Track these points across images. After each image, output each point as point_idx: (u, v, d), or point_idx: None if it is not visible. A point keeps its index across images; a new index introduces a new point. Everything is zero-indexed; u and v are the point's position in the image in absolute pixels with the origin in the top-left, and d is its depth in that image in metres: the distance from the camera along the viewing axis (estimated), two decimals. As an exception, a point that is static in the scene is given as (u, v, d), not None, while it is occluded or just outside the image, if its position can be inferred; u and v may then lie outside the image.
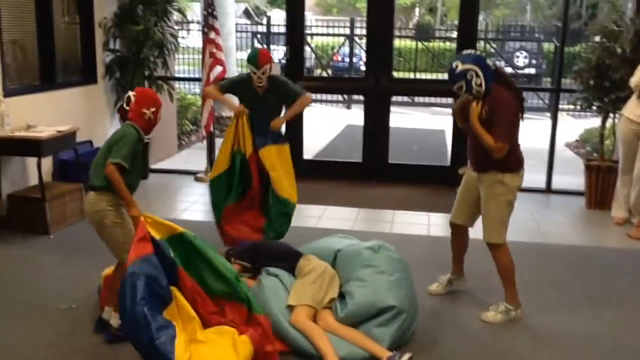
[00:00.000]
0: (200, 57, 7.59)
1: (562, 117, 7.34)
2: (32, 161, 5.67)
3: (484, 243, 4.09)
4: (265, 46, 16.43)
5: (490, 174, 3.96)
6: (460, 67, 3.82)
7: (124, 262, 3.56)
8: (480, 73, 3.80)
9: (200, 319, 3.42)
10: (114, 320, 3.72)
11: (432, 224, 6.07)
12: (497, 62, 3.99)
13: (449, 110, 11.99)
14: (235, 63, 12.32)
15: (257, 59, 4.79)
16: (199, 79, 7.79)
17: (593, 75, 6.42)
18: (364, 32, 17.16)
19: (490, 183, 3.96)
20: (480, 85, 3.80)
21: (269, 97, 4.97)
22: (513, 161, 3.96)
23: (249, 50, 15.95)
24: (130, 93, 3.85)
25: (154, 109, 3.82)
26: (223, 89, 5.13)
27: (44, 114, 5.96)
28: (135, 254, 3.27)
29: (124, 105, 3.83)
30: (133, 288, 3.14)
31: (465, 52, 3.96)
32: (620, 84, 6.15)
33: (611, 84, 6.28)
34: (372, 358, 3.44)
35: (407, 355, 3.35)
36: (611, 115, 6.66)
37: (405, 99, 14.51)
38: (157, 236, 3.41)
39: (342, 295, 3.79)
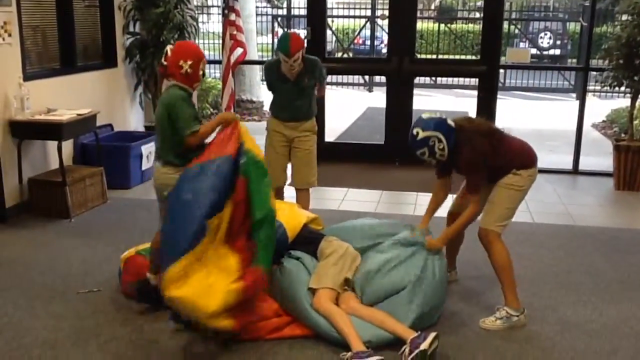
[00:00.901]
0: (219, 41, 7.50)
1: (587, 97, 7.18)
2: (52, 145, 5.64)
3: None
4: (287, 29, 16.30)
5: (507, 176, 3.75)
6: (421, 134, 3.62)
7: None
8: (442, 138, 3.61)
9: (228, 232, 3.37)
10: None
11: (457, 207, 5.96)
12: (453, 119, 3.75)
13: (473, 93, 11.87)
14: (255, 47, 12.23)
15: (289, 46, 4.39)
16: (219, 62, 7.72)
17: (623, 53, 6.24)
18: (385, 13, 16.99)
19: (507, 178, 3.73)
20: (443, 149, 3.62)
21: (304, 78, 4.65)
22: (526, 159, 3.76)
23: (269, 35, 15.99)
24: (169, 47, 3.68)
25: (191, 62, 3.56)
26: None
27: (64, 97, 5.92)
28: (222, 149, 3.41)
29: (162, 61, 3.64)
30: (206, 178, 3.33)
31: (424, 116, 3.71)
32: (652, 61, 5.99)
33: (642, 62, 6.11)
34: (397, 340, 3.35)
35: (432, 335, 3.25)
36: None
37: (428, 81, 14.33)
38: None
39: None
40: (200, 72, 3.65)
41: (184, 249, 3.21)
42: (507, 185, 3.71)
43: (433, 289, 3.63)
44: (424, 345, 3.19)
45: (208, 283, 3.20)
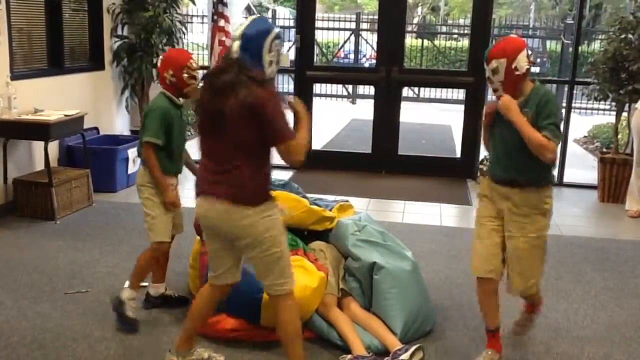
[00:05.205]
0: (203, 52, 7.47)
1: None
2: (38, 146, 5.57)
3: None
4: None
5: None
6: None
7: (151, 241, 3.60)
8: None
9: None
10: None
11: (445, 215, 5.97)
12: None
13: (457, 107, 11.97)
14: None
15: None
16: (207, 67, 7.68)
17: (609, 66, 6.32)
18: (369, 26, 17.03)
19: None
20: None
21: None
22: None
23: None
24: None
25: (172, 71, 3.50)
26: None
27: (51, 98, 5.85)
28: None
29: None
30: None
31: None
32: (637, 75, 6.07)
33: (627, 75, 6.18)
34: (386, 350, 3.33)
35: (414, 347, 3.20)
36: (626, 108, 6.57)
37: (411, 94, 14.39)
38: None
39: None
40: (185, 76, 3.51)
41: None
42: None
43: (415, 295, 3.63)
44: (404, 356, 3.16)
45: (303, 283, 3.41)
